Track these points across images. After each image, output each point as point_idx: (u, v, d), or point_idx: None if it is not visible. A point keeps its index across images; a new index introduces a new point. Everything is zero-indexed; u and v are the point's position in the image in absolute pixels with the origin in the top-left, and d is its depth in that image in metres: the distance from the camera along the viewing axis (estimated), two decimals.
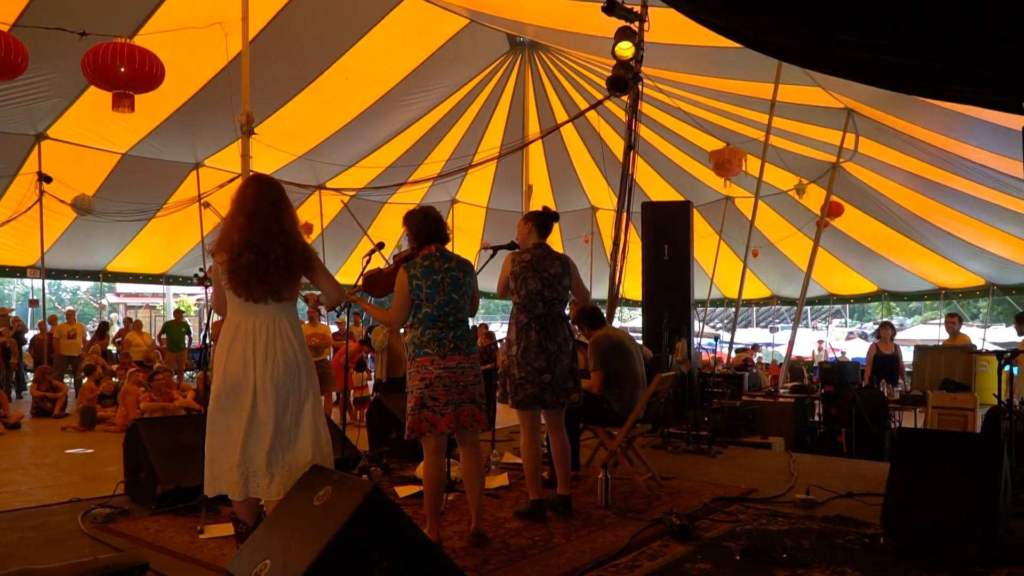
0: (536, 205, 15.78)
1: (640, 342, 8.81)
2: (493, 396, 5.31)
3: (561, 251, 4.76)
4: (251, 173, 9.20)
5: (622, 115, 9.90)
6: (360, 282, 4.24)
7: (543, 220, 4.65)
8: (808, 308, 22.68)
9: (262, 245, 3.32)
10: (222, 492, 3.36)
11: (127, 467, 4.92)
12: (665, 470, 5.83)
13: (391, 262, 4.33)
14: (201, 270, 4.79)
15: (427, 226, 4.04)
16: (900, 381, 9.26)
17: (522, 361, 4.46)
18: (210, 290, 3.79)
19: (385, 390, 9.78)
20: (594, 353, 5.35)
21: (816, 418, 8.68)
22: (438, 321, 3.89)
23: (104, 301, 23.59)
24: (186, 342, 13.67)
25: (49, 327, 13.22)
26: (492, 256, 4.97)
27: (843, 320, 33.36)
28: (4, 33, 7.72)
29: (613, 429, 5.31)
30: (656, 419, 5.93)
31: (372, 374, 11.25)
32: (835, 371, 8.23)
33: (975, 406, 7.31)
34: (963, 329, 9.45)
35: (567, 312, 4.69)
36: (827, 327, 33.02)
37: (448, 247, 4.11)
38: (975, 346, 8.70)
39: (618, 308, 11.27)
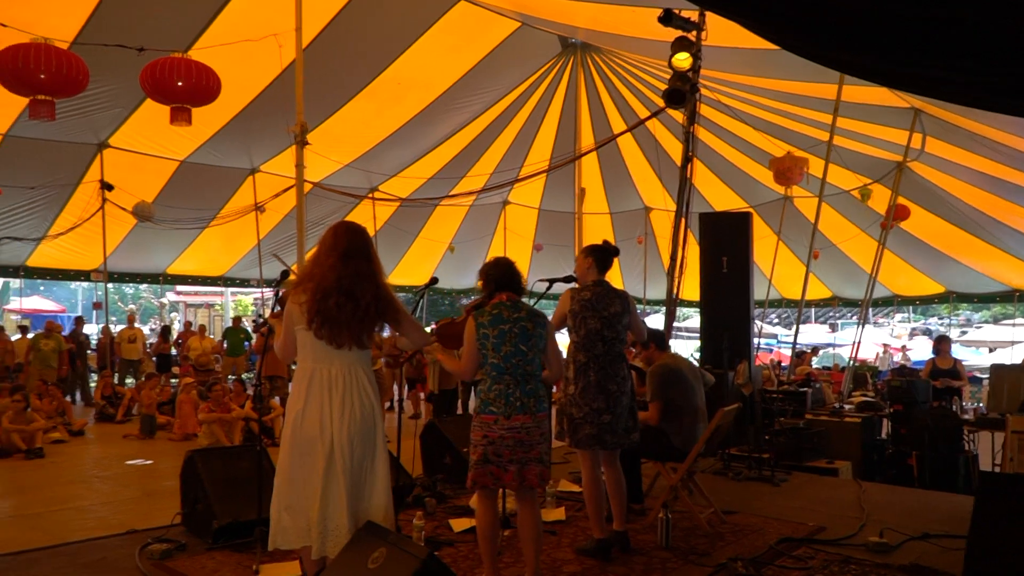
0: (589, 206, 15.73)
1: (698, 356, 8.61)
2: None
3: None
4: (305, 181, 9.32)
5: (679, 116, 9.66)
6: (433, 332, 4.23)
7: (603, 256, 4.50)
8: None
9: (354, 289, 3.25)
10: (294, 546, 3.29)
11: (184, 497, 4.93)
12: (727, 502, 5.63)
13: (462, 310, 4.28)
14: (260, 316, 4.76)
15: (498, 273, 3.89)
16: (963, 401, 8.87)
17: (580, 401, 4.33)
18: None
19: (437, 402, 9.77)
20: (653, 383, 5.17)
21: (884, 435, 8.35)
22: (505, 374, 3.71)
23: (164, 299, 24.26)
24: (245, 347, 13.85)
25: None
26: (548, 288, 4.83)
27: (906, 316, 32.37)
28: (67, 52, 7.87)
29: (674, 464, 5.13)
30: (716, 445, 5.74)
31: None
32: (904, 389, 7.89)
33: None
34: None
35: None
36: (890, 323, 32.10)
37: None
38: None
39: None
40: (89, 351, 14.64)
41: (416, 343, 3.59)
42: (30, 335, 13.08)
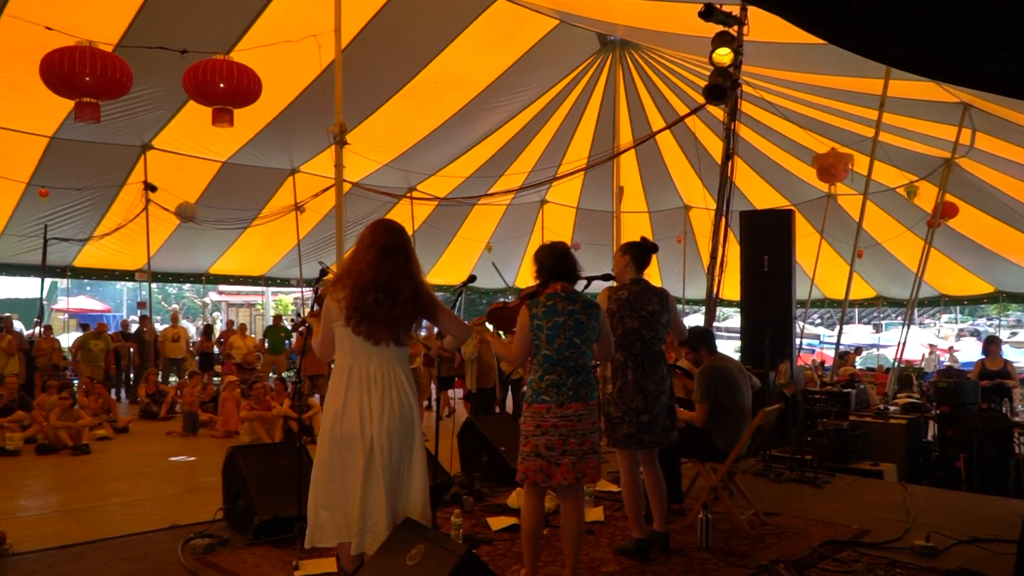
0: (627, 205, 15.61)
1: (738, 356, 8.49)
2: None
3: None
4: (345, 181, 9.39)
5: (719, 114, 9.53)
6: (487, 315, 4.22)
7: (641, 253, 4.44)
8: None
9: (392, 286, 3.25)
10: (331, 543, 3.30)
11: (226, 493, 4.99)
12: (768, 503, 5.53)
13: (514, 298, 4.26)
14: (299, 315, 4.80)
15: (552, 262, 3.81)
16: (1014, 403, 8.62)
17: (618, 400, 4.28)
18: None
19: (475, 401, 9.77)
20: (702, 384, 5.08)
21: (930, 438, 8.15)
22: (557, 366, 3.66)
23: (207, 299, 24.73)
24: (285, 345, 14.02)
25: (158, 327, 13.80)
26: (586, 287, 4.77)
27: (953, 316, 31.58)
28: (111, 55, 8.02)
29: (715, 464, 5.05)
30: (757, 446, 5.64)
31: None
32: (951, 391, 7.69)
33: None
34: None
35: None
36: (936, 324, 31.36)
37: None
38: None
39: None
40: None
41: (458, 337, 3.57)
42: (80, 334, 13.38)
